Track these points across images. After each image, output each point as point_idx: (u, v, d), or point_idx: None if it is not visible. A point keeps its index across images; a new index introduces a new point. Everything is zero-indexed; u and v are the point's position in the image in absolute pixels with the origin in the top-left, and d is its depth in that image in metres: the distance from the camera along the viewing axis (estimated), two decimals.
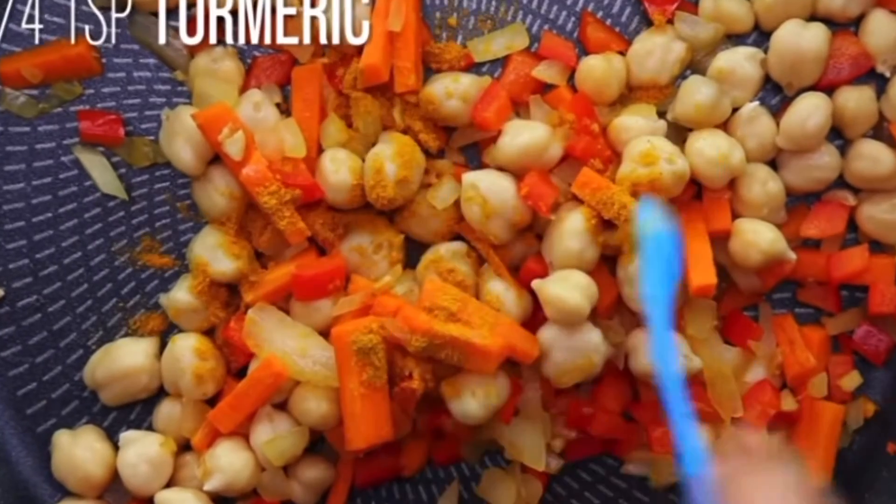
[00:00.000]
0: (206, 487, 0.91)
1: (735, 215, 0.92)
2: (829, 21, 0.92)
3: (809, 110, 0.90)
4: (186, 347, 0.92)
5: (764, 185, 0.91)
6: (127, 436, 0.93)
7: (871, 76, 0.93)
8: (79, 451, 0.92)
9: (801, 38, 0.90)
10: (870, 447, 0.95)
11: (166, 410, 0.94)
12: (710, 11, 0.93)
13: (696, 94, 0.91)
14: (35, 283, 0.94)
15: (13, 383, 0.95)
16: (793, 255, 0.91)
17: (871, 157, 0.92)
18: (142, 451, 0.92)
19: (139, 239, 0.95)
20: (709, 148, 0.89)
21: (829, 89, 0.92)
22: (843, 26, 0.93)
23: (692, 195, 0.92)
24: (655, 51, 0.92)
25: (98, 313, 0.95)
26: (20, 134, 0.94)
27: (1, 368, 0.95)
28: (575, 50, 0.94)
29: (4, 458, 0.95)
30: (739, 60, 0.92)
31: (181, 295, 0.93)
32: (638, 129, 0.90)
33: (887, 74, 0.92)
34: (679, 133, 0.92)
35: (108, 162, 0.94)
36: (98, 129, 0.94)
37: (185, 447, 0.95)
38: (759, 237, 0.90)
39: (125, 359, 0.93)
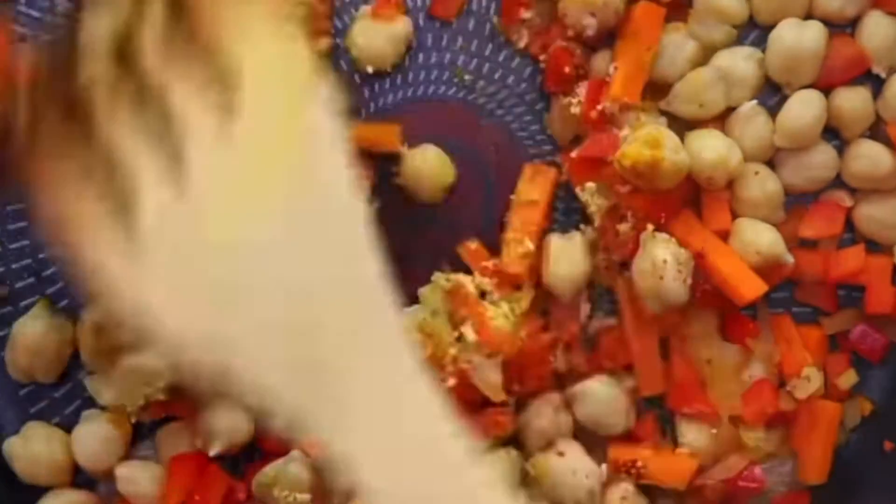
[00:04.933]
0: (212, 453, 0.91)
1: (733, 215, 0.93)
2: (825, 22, 0.92)
3: (803, 105, 0.91)
4: None
5: (762, 184, 0.92)
6: (83, 416, 0.94)
7: (867, 77, 0.93)
8: (35, 447, 0.93)
9: (799, 37, 0.91)
10: (866, 445, 0.96)
11: None
12: (702, 5, 0.93)
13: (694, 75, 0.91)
14: (38, 283, 0.94)
15: (16, 382, 0.95)
16: (790, 258, 0.91)
17: (870, 157, 0.92)
18: (94, 430, 0.92)
19: None
20: (707, 150, 0.89)
21: (826, 90, 0.92)
22: (840, 27, 0.93)
23: (690, 195, 0.93)
24: (668, 47, 0.92)
25: None
26: None
27: (3, 367, 0.95)
28: None
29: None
30: (738, 60, 0.92)
31: None
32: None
33: (883, 76, 0.93)
34: (678, 133, 0.93)
35: None
36: None
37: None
38: (758, 238, 0.90)
39: None
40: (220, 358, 0.60)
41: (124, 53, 0.58)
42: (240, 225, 0.59)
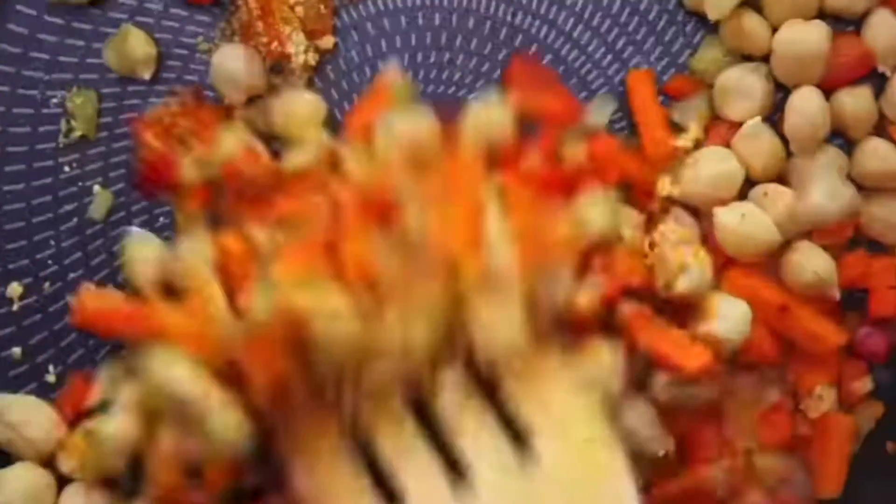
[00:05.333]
0: None
1: None
2: (833, 18, 0.92)
3: (804, 102, 0.90)
4: None
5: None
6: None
7: (869, 75, 0.93)
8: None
9: (805, 38, 0.90)
10: (869, 447, 0.95)
11: None
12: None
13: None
14: (35, 283, 0.94)
15: (13, 384, 0.94)
16: (836, 294, 0.90)
17: (879, 155, 0.92)
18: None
19: None
20: None
21: (829, 90, 0.92)
22: (845, 25, 0.93)
23: None
24: None
25: None
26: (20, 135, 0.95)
27: (2, 368, 0.94)
28: None
29: None
30: (744, 73, 0.92)
31: None
32: None
33: (888, 74, 0.92)
34: None
35: None
36: None
37: None
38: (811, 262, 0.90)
39: None
40: None
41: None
42: None
